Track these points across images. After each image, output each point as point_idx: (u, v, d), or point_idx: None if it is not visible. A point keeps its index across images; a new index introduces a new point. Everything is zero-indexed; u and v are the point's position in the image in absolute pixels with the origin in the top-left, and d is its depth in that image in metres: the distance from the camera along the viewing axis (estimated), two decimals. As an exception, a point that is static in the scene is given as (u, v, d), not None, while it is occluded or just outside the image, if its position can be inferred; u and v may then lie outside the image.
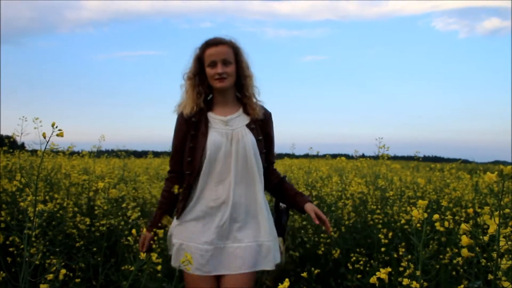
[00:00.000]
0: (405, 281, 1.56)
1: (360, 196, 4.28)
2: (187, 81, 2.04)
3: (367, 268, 3.36)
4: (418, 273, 1.58)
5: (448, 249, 3.05)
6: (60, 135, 1.61)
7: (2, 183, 3.28)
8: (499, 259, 1.23)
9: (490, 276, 1.30)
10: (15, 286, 1.80)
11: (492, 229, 1.21)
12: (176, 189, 1.94)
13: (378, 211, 3.81)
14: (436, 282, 2.77)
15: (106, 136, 5.24)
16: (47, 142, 1.62)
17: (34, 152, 4.82)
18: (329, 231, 1.98)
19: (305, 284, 3.06)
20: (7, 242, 2.68)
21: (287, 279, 1.22)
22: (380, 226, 3.62)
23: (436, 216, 1.54)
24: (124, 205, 3.76)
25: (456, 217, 3.57)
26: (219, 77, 1.95)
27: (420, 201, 1.50)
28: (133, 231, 1.93)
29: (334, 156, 6.90)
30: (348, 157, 6.60)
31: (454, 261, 2.85)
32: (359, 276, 3.31)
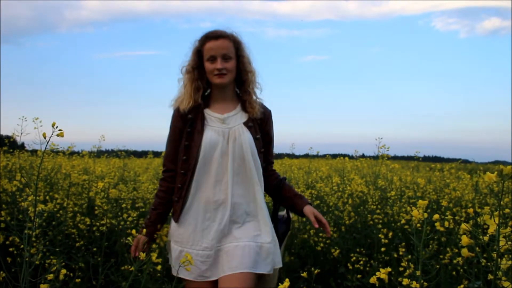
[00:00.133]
0: (405, 281, 1.56)
1: (360, 196, 4.28)
2: (185, 75, 1.95)
3: (367, 268, 3.36)
4: (418, 273, 1.58)
5: (448, 249, 3.05)
6: (60, 135, 1.61)
7: (2, 183, 3.28)
8: (499, 259, 1.22)
9: (490, 276, 1.30)
10: (15, 286, 1.80)
11: (492, 229, 1.21)
12: None
13: (378, 211, 3.81)
14: (436, 282, 2.77)
15: (106, 136, 5.25)
16: (47, 142, 1.62)
17: (34, 152, 4.82)
18: (328, 234, 1.89)
19: (305, 284, 3.06)
20: (7, 242, 2.68)
21: (287, 279, 1.22)
22: (380, 226, 3.62)
23: (436, 216, 1.54)
24: (124, 205, 3.76)
25: (456, 217, 3.57)
26: (218, 73, 1.86)
27: (420, 201, 1.50)
28: (133, 231, 1.92)
29: (334, 156, 6.91)
30: (348, 157, 6.60)
31: (454, 261, 2.85)
32: (359, 276, 3.31)
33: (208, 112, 1.92)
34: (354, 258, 3.39)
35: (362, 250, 3.52)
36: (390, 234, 3.49)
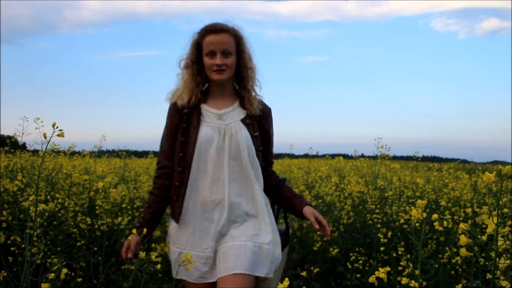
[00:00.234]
0: (404, 280, 1.57)
1: (359, 196, 4.29)
2: (184, 69, 1.87)
3: (366, 268, 3.37)
4: (417, 272, 1.58)
5: (447, 248, 3.05)
6: (61, 135, 1.61)
7: (4, 183, 3.29)
8: (497, 259, 1.23)
9: (489, 275, 1.31)
10: (17, 285, 1.81)
11: (490, 229, 1.21)
12: None
13: (377, 210, 3.82)
14: (435, 282, 2.78)
15: (107, 136, 5.25)
16: (48, 142, 1.62)
17: (35, 152, 4.81)
18: (328, 236, 1.82)
19: (305, 283, 3.07)
20: (9, 242, 2.69)
21: (286, 279, 1.23)
22: (379, 225, 3.62)
23: (435, 216, 1.54)
24: (124, 205, 3.77)
25: (455, 217, 3.58)
26: (217, 69, 1.78)
27: (419, 201, 1.50)
28: (134, 230, 1.92)
29: (334, 156, 6.91)
30: (347, 157, 6.62)
31: (453, 261, 2.85)
32: (358, 275, 3.32)
33: (204, 108, 1.85)
34: (353, 257, 3.39)
35: (361, 249, 3.52)
36: (389, 233, 3.50)
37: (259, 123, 1.88)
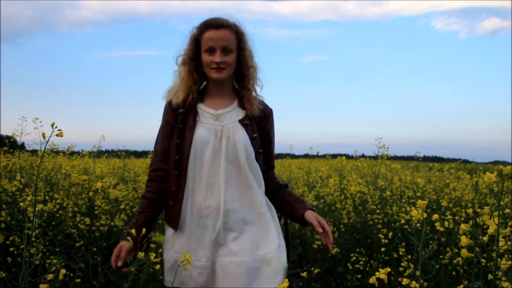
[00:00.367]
0: (405, 281, 1.56)
1: (360, 196, 4.28)
2: (181, 66, 1.76)
3: (367, 268, 3.36)
4: (418, 273, 1.57)
5: (448, 249, 3.05)
6: (60, 135, 1.60)
7: (2, 183, 3.28)
8: (498, 259, 1.23)
9: (490, 276, 1.30)
10: (15, 286, 1.81)
11: (491, 229, 1.21)
12: None
13: (378, 211, 3.81)
14: (436, 282, 2.77)
15: (106, 136, 5.25)
16: (47, 142, 1.61)
17: (34, 152, 4.82)
18: (330, 245, 1.65)
19: (305, 283, 3.06)
20: (7, 242, 2.68)
21: (286, 279, 1.22)
22: (380, 226, 3.61)
23: (436, 216, 1.53)
24: (122, 206, 3.76)
25: (456, 217, 3.57)
26: (216, 67, 1.68)
27: (419, 201, 1.49)
28: (133, 231, 1.91)
29: (334, 156, 6.89)
30: (348, 157, 6.60)
31: (454, 261, 2.84)
32: (359, 276, 3.31)
33: (201, 107, 1.75)
34: (353, 258, 3.39)
35: (362, 250, 3.51)
36: (390, 234, 3.49)
37: (259, 124, 1.77)
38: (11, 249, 2.70)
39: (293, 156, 7.51)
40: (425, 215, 1.47)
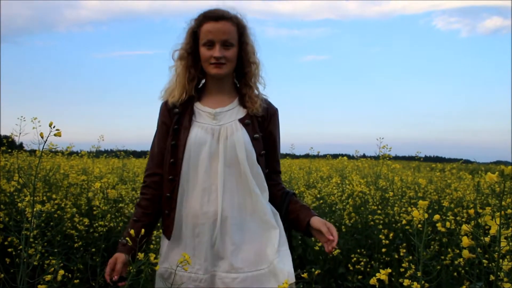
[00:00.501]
0: (406, 282, 1.55)
1: (361, 196, 4.27)
2: (178, 61, 1.63)
3: (368, 269, 3.35)
4: (419, 274, 1.56)
5: (449, 249, 3.03)
6: (58, 135, 1.59)
7: (0, 184, 3.28)
8: (500, 260, 1.21)
9: (492, 277, 1.29)
10: (13, 287, 1.79)
11: (493, 230, 1.19)
12: None
13: (379, 211, 3.79)
14: (438, 283, 2.76)
15: (105, 136, 5.24)
16: (45, 142, 1.60)
17: (32, 152, 4.81)
18: (331, 250, 1.51)
19: (305, 284, 3.04)
20: (6, 243, 2.68)
21: (286, 280, 1.21)
22: (380, 226, 3.60)
23: (437, 217, 1.52)
24: (121, 205, 3.75)
25: (458, 218, 3.55)
26: (216, 62, 1.55)
27: (421, 202, 1.48)
28: (131, 231, 1.89)
29: (335, 156, 6.88)
30: (349, 157, 6.59)
31: (456, 262, 2.83)
32: (359, 277, 3.30)
33: (198, 106, 1.62)
34: (354, 258, 3.37)
35: (362, 250, 3.50)
36: (391, 234, 3.48)
37: (262, 124, 1.63)
38: (9, 250, 2.70)
39: (293, 156, 7.51)
40: (426, 215, 1.46)
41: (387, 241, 3.43)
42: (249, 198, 1.55)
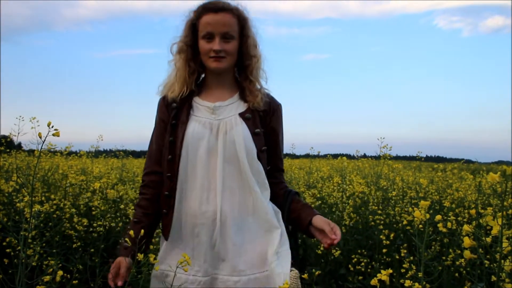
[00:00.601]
0: (407, 283, 1.54)
1: (362, 197, 4.25)
2: (177, 55, 1.57)
3: (369, 270, 3.34)
4: (420, 274, 1.55)
5: (450, 250, 3.02)
6: (56, 134, 1.58)
7: (-1, 184, 3.27)
8: (502, 261, 1.20)
9: (493, 278, 1.28)
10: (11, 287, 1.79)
11: (495, 230, 1.19)
12: None
13: (379, 211, 3.78)
14: (439, 284, 2.74)
15: (104, 136, 5.24)
16: (43, 142, 1.59)
17: (31, 152, 4.81)
18: (329, 244, 1.44)
19: (306, 285, 3.03)
20: (4, 244, 2.67)
21: (286, 280, 1.20)
22: (381, 227, 3.59)
23: (438, 217, 1.51)
24: (121, 205, 3.74)
25: (459, 218, 3.54)
26: (215, 56, 1.49)
27: (422, 202, 1.47)
28: (131, 232, 1.87)
29: (335, 156, 6.87)
30: (349, 157, 6.58)
31: (457, 263, 2.82)
32: (360, 277, 3.29)
33: (196, 100, 1.56)
34: (355, 259, 3.36)
35: (363, 251, 3.49)
36: (392, 235, 3.46)
37: (264, 119, 1.57)
38: (7, 250, 2.69)
39: (293, 156, 7.51)
40: (427, 216, 1.45)
41: (388, 242, 3.42)
42: (250, 196, 1.49)
